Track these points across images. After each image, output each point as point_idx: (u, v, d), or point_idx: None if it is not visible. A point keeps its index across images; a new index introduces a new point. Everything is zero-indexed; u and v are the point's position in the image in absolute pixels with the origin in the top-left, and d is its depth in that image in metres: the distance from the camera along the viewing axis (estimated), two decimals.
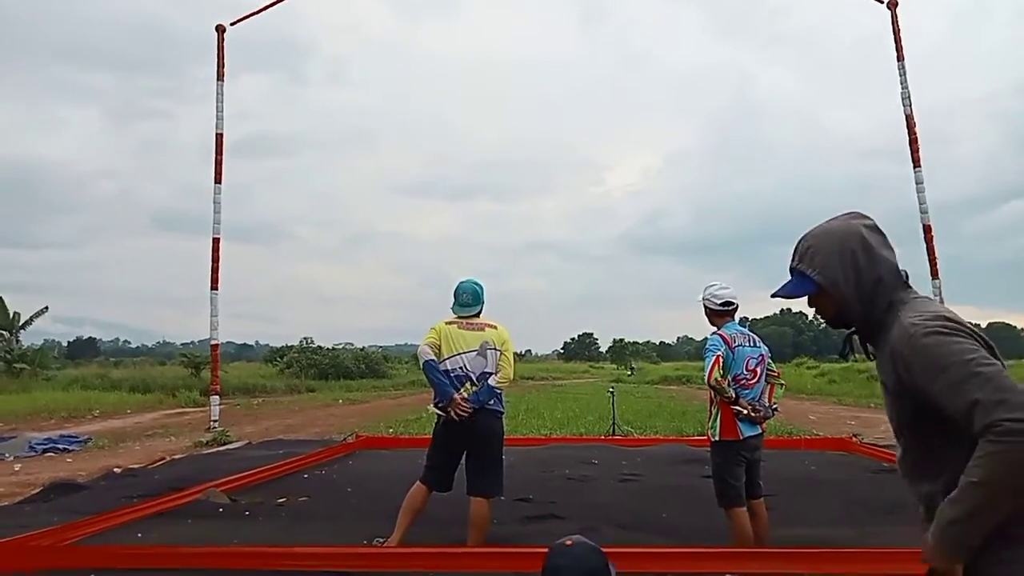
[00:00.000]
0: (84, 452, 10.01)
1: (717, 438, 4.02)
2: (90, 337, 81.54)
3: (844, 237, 1.59)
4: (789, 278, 1.67)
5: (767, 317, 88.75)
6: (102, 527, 4.75)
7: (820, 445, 9.07)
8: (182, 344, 56.42)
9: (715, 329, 4.13)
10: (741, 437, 3.93)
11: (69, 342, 69.21)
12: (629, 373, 45.40)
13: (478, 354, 4.24)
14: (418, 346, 4.32)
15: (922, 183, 10.91)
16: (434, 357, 4.21)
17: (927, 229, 10.81)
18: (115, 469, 7.80)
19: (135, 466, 8.08)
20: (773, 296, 1.72)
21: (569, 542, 1.86)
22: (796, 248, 1.67)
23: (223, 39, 12.18)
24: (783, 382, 4.33)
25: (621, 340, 78.63)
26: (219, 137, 11.92)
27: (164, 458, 8.62)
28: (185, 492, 5.79)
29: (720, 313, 4.14)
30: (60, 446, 10.18)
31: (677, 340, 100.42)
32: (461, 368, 4.22)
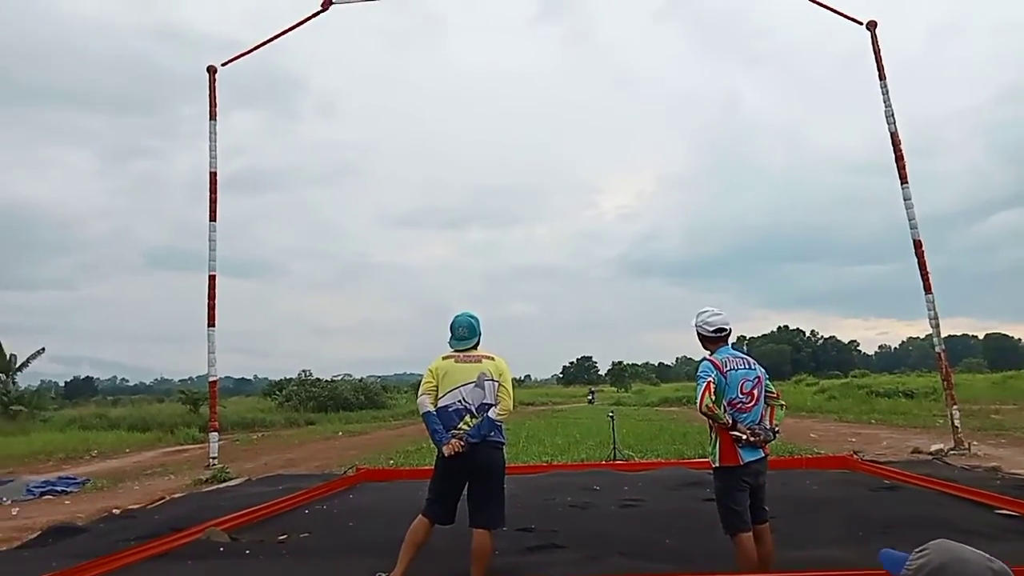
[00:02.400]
0: (83, 494, 9.94)
1: (717, 464, 3.97)
2: (87, 376, 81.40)
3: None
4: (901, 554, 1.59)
5: (764, 335, 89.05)
6: (102, 571, 4.72)
7: (821, 464, 9.07)
8: (180, 380, 56.26)
9: (707, 355, 4.13)
10: (742, 463, 3.87)
11: (66, 382, 69.13)
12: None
13: (476, 386, 4.26)
14: (416, 376, 4.35)
15: (910, 199, 11.03)
16: (431, 409, 4.24)
17: (917, 244, 10.90)
18: (114, 510, 7.76)
19: (134, 507, 8.03)
20: (882, 553, 1.64)
21: None
22: (922, 547, 1.56)
23: (215, 79, 12.35)
24: (783, 403, 4.20)
25: (620, 363, 78.67)
26: (212, 176, 12.03)
27: (164, 497, 8.56)
28: (185, 532, 5.76)
29: (713, 339, 4.14)
30: (58, 488, 10.12)
31: (676, 361, 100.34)
32: (460, 402, 4.23)
